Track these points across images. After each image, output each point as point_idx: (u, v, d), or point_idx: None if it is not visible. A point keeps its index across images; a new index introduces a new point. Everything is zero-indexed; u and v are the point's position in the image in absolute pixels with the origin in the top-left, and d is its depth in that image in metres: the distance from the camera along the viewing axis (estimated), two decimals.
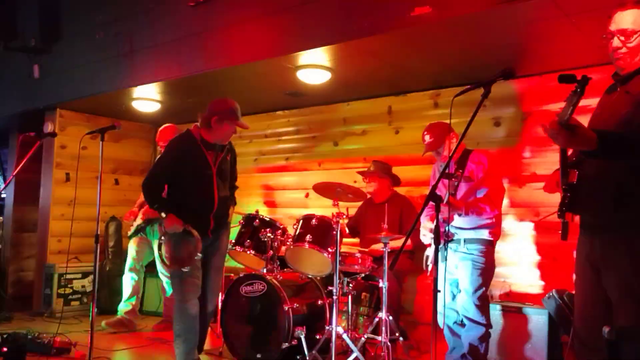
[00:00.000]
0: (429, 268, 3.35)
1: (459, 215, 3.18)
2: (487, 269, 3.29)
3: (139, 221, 4.70)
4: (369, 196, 4.20)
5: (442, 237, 3.06)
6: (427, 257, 3.39)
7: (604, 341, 1.96)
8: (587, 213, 2.19)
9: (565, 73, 1.97)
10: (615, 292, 2.13)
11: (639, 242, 2.07)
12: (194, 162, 3.29)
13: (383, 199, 4.18)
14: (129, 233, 4.82)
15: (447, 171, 3.09)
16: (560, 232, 2.16)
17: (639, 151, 2.00)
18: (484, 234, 3.29)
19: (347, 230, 4.32)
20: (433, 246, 3.26)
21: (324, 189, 3.64)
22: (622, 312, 2.11)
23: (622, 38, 2.13)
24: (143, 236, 4.80)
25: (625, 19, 2.13)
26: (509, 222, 4.06)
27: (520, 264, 4.05)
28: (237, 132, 3.49)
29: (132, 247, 4.82)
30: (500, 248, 4.07)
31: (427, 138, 3.46)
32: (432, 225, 3.23)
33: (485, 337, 3.27)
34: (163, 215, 3.20)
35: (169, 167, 3.32)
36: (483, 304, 3.25)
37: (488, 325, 3.26)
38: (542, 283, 3.95)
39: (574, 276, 2.36)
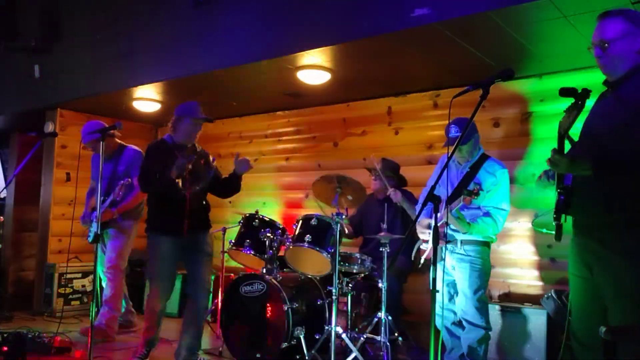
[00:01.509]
0: (421, 261, 3.34)
1: (463, 233, 3.16)
2: (484, 271, 3.26)
3: (94, 227, 4.40)
4: (369, 192, 4.21)
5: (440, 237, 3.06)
6: (420, 250, 3.37)
7: (601, 341, 1.97)
8: (581, 214, 2.23)
9: (566, 87, 2.02)
10: (609, 292, 2.16)
11: (632, 242, 2.10)
12: (166, 164, 3.42)
13: (384, 197, 4.19)
14: (89, 241, 4.34)
15: (467, 186, 3.04)
16: (554, 233, 2.20)
17: (632, 170, 2.05)
18: (481, 236, 3.25)
19: (349, 228, 4.31)
20: (427, 244, 3.28)
21: (323, 189, 3.64)
22: (616, 311, 2.14)
23: (601, 48, 2.18)
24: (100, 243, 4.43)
25: (603, 28, 2.19)
26: (508, 223, 4.06)
27: (519, 264, 4.06)
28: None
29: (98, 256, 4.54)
30: (499, 248, 4.09)
31: (454, 131, 3.25)
32: (429, 223, 3.25)
33: (484, 339, 3.24)
34: (167, 172, 3.34)
35: (152, 161, 3.47)
36: (482, 306, 3.22)
37: (487, 327, 3.24)
38: (541, 283, 3.96)
39: (569, 276, 2.39)
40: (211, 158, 3.65)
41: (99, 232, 3.23)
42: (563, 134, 1.99)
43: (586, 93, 1.99)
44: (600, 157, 2.02)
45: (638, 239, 2.09)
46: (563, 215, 2.19)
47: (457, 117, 3.33)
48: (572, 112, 2.00)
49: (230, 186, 3.68)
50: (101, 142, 3.25)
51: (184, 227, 3.44)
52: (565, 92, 2.02)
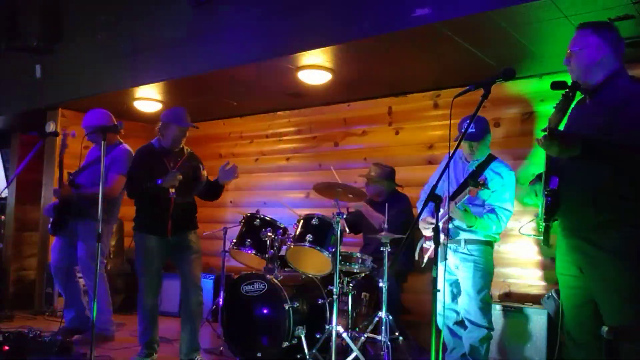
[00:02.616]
0: (424, 260, 3.35)
1: (469, 227, 3.15)
2: (488, 270, 3.27)
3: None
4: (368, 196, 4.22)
5: (443, 232, 3.06)
6: (423, 248, 3.38)
7: (594, 338, 2.01)
8: (570, 215, 2.28)
9: (557, 80, 2.17)
10: (600, 290, 2.21)
11: (621, 241, 2.15)
12: (152, 168, 3.50)
13: (383, 198, 4.20)
14: (50, 232, 4.24)
15: (475, 178, 3.04)
16: (542, 238, 2.26)
17: (619, 154, 2.11)
18: (483, 235, 3.26)
19: (346, 228, 4.31)
20: (430, 241, 3.29)
21: (325, 189, 3.65)
22: (607, 309, 2.19)
23: (567, 57, 2.36)
24: (63, 236, 4.21)
25: (573, 39, 2.37)
26: (510, 222, 4.06)
27: (519, 264, 4.07)
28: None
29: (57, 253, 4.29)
30: (500, 248, 4.10)
31: (470, 128, 3.18)
32: (433, 220, 3.25)
33: (486, 339, 3.25)
34: (158, 183, 3.38)
35: (140, 167, 3.54)
36: (485, 306, 3.23)
37: (490, 327, 3.25)
38: (542, 283, 3.96)
39: (557, 276, 2.42)
40: (201, 166, 3.66)
41: (99, 231, 3.24)
42: (553, 128, 2.05)
43: (576, 86, 2.14)
44: (589, 138, 2.11)
45: (626, 237, 2.15)
46: (551, 222, 2.26)
47: (476, 115, 3.32)
48: (562, 105, 2.12)
49: (210, 192, 3.70)
50: (103, 141, 3.22)
51: (168, 227, 3.51)
52: (556, 84, 2.16)
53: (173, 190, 3.41)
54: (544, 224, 2.28)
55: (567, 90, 2.11)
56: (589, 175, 2.20)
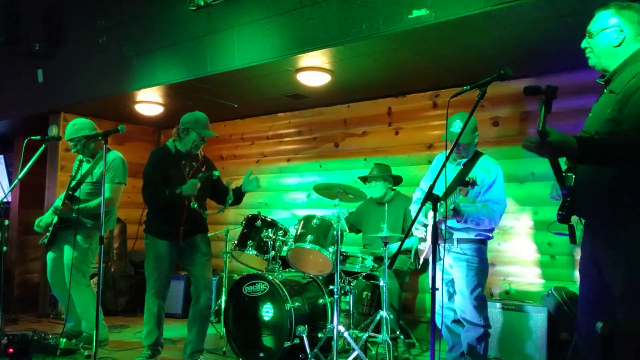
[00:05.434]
0: (420, 261, 3.38)
1: (458, 222, 3.16)
2: (482, 269, 3.25)
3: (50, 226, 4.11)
4: (369, 197, 4.25)
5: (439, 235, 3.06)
6: (417, 250, 3.40)
7: (598, 336, 1.98)
8: (586, 213, 2.23)
9: (530, 85, 1.90)
10: (618, 289, 2.15)
11: (637, 237, 2.09)
12: (168, 173, 3.51)
13: (384, 199, 4.23)
14: (42, 240, 4.17)
15: (462, 178, 3.04)
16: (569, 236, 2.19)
17: (617, 157, 2.02)
18: (477, 234, 3.23)
19: (347, 228, 4.34)
20: (425, 242, 3.31)
21: (325, 190, 3.68)
22: (624, 310, 2.14)
23: (586, 39, 2.22)
24: (57, 247, 4.11)
25: (593, 20, 2.22)
26: (509, 220, 4.09)
27: (519, 262, 4.09)
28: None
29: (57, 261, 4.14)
30: (500, 246, 4.12)
31: (457, 126, 3.20)
32: (427, 221, 3.27)
33: (483, 338, 3.24)
34: (177, 191, 3.40)
35: (157, 171, 3.53)
36: (480, 304, 3.22)
37: (486, 325, 3.25)
38: (542, 281, 3.99)
39: (578, 274, 2.39)
40: (216, 172, 3.67)
41: (103, 234, 3.26)
42: (542, 130, 1.92)
43: (551, 90, 1.87)
44: (584, 138, 1.99)
45: None
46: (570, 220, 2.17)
47: (462, 112, 3.29)
48: (540, 111, 1.90)
49: (235, 199, 3.77)
50: (105, 145, 3.23)
51: (180, 233, 3.53)
52: (529, 90, 1.90)
53: (194, 201, 3.45)
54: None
55: (540, 96, 1.87)
56: (603, 170, 2.12)
